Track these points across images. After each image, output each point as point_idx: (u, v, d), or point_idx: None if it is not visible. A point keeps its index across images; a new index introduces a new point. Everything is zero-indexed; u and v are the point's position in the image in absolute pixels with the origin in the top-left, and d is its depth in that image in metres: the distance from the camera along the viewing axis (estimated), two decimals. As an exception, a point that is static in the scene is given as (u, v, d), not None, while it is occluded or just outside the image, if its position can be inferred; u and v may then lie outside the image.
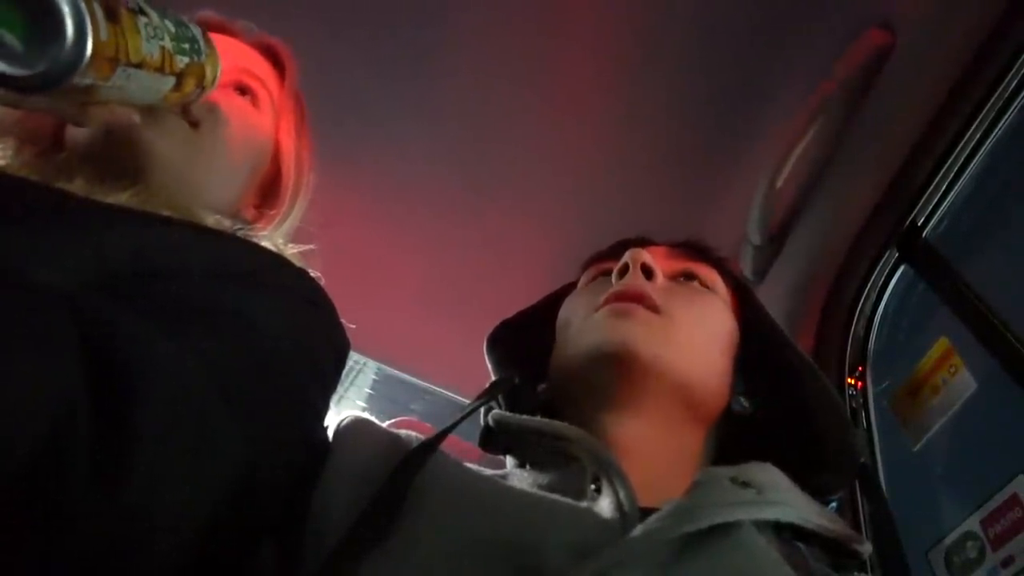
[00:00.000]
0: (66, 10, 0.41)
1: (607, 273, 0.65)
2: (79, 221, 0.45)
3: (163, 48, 0.48)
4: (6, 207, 0.43)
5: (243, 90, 0.65)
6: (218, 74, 0.56)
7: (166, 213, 0.53)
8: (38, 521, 0.30)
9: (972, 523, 0.86)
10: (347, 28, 1.10)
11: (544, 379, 0.66)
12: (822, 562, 0.50)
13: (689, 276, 0.66)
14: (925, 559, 0.91)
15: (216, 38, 0.63)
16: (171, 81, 0.51)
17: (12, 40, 0.40)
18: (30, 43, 0.41)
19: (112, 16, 0.43)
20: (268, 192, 0.69)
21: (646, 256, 0.61)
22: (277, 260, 0.56)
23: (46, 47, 0.41)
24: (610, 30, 1.06)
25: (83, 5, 0.41)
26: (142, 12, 0.47)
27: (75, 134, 0.54)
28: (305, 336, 0.50)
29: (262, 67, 0.67)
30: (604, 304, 0.59)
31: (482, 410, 0.65)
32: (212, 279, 0.47)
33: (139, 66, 0.46)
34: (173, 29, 0.50)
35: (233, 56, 0.64)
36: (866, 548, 0.50)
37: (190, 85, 0.53)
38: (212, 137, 0.59)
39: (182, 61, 0.50)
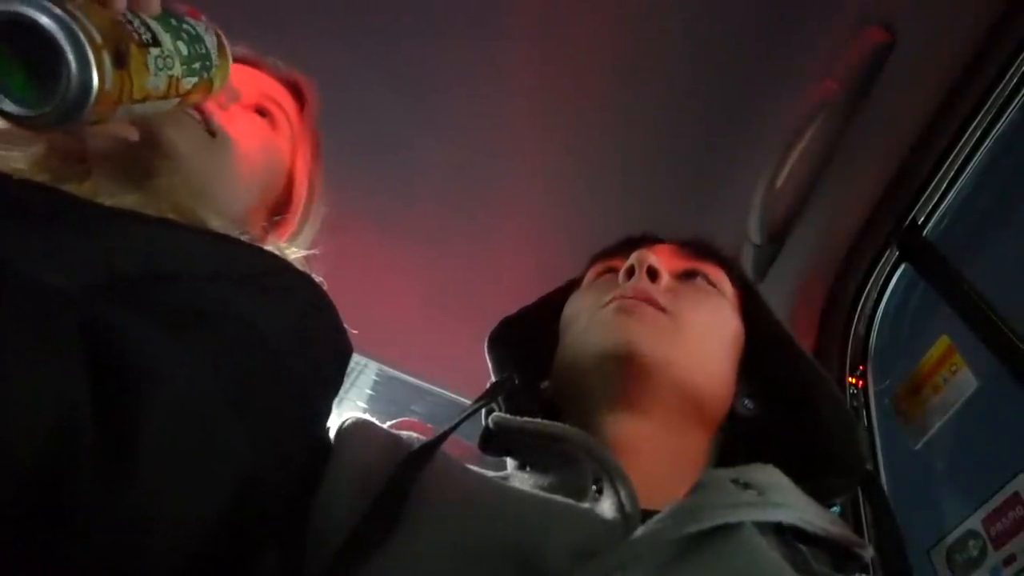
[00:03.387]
0: (73, 66, 0.39)
1: (613, 271, 0.65)
2: (85, 223, 0.46)
3: (171, 77, 0.47)
4: (13, 209, 0.44)
5: (263, 112, 0.68)
6: (225, 81, 0.56)
7: (172, 216, 0.53)
8: (41, 523, 0.30)
9: (974, 522, 0.86)
10: (354, 42, 1.10)
11: (546, 378, 0.66)
12: (824, 564, 0.50)
13: (695, 275, 0.65)
14: (927, 558, 0.91)
15: (243, 69, 0.67)
16: (175, 102, 0.50)
17: (15, 84, 0.40)
18: (32, 89, 0.40)
19: (120, 62, 0.42)
20: (278, 214, 0.71)
21: (652, 258, 0.61)
22: (280, 263, 0.56)
23: (48, 97, 0.40)
24: (610, 32, 1.06)
25: (91, 56, 0.40)
26: (154, 43, 0.46)
27: (94, 137, 0.55)
28: (308, 339, 0.50)
29: (284, 97, 0.71)
30: (610, 303, 0.59)
31: (483, 411, 0.65)
32: (215, 282, 0.47)
33: (143, 100, 0.46)
34: (185, 51, 0.49)
35: (257, 84, 0.69)
36: (868, 552, 0.50)
37: (195, 98, 0.54)
38: (227, 146, 0.61)
39: (190, 82, 0.50)
